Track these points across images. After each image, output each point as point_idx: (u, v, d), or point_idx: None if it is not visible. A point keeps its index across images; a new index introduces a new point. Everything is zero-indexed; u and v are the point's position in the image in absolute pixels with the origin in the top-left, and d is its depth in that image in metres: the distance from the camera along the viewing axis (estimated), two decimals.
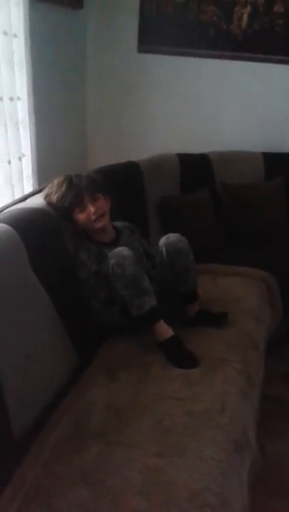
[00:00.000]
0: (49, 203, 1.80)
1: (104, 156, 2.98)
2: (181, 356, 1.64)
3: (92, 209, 1.78)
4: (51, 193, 1.80)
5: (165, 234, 1.91)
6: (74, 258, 1.80)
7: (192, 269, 1.86)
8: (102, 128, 3.36)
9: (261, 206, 2.83)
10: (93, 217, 1.79)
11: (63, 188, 1.77)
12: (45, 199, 1.81)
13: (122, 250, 1.69)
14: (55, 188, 1.79)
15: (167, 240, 1.86)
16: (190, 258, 1.85)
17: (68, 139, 3.10)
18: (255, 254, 2.64)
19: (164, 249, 1.86)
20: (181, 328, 1.76)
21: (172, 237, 1.87)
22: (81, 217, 1.79)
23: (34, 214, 1.73)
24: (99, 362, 1.67)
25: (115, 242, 1.87)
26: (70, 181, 1.79)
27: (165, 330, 1.68)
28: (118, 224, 1.98)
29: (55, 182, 1.81)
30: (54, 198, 1.78)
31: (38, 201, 1.84)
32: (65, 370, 1.62)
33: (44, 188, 1.88)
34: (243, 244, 2.73)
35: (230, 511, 1.13)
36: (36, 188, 2.43)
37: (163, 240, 1.87)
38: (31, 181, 2.54)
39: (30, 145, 2.47)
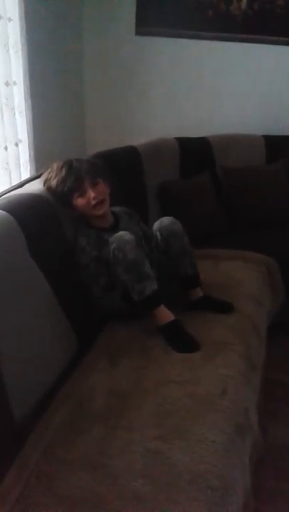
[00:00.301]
0: (48, 188, 1.78)
1: (102, 141, 2.95)
2: (181, 340, 1.63)
3: (92, 194, 1.76)
4: (50, 178, 1.78)
5: None
6: (73, 244, 1.79)
7: (189, 251, 1.85)
8: (101, 112, 3.32)
9: (262, 189, 2.81)
10: (93, 202, 1.76)
11: (63, 173, 1.75)
12: (44, 184, 1.79)
13: (124, 235, 1.68)
14: (54, 173, 1.77)
15: (161, 223, 1.86)
16: (185, 240, 1.84)
17: (66, 125, 3.07)
18: (257, 238, 2.62)
19: (158, 234, 1.85)
20: (181, 312, 1.75)
21: (165, 220, 1.86)
22: (80, 202, 1.77)
23: (32, 200, 1.71)
24: (100, 347, 1.66)
25: (114, 227, 1.85)
26: (70, 165, 1.76)
27: (166, 314, 1.68)
28: (116, 209, 1.96)
29: (55, 166, 1.79)
30: (53, 183, 1.76)
31: (35, 187, 1.82)
32: (65, 356, 1.61)
33: (42, 174, 1.86)
34: (244, 228, 2.72)
35: (232, 493, 1.13)
36: (34, 173, 2.42)
37: (157, 224, 1.87)
38: (28, 167, 2.52)
39: (27, 130, 2.45)
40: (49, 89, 2.82)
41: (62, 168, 1.76)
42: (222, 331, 1.73)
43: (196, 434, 1.24)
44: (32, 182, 1.92)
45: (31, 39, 2.39)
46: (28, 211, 1.63)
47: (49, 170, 1.81)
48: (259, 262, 2.33)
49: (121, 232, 1.70)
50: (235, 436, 1.29)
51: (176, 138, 2.87)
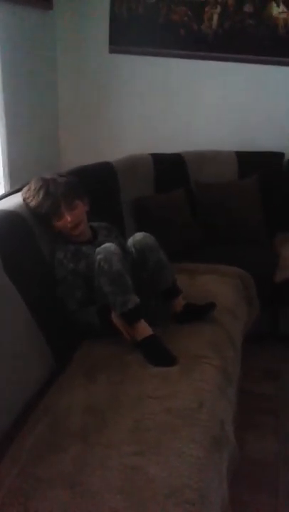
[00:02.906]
0: (26, 207, 1.79)
1: (77, 157, 2.98)
2: (158, 355, 1.64)
3: (68, 218, 1.79)
4: (28, 198, 1.79)
5: None
6: (51, 258, 1.80)
7: (166, 263, 1.87)
8: (75, 129, 3.34)
9: (236, 204, 2.85)
10: (70, 226, 1.80)
11: (40, 197, 1.77)
12: (23, 201, 1.81)
13: (110, 246, 1.71)
14: (32, 194, 1.79)
15: (134, 239, 1.88)
16: (161, 252, 1.87)
17: (40, 141, 3.07)
18: (232, 252, 2.66)
19: (133, 249, 1.86)
20: (159, 326, 1.76)
21: (138, 235, 1.88)
22: (58, 224, 1.80)
23: (6, 217, 1.71)
24: (77, 364, 1.66)
25: (92, 241, 1.88)
26: (46, 189, 1.77)
27: (145, 329, 1.69)
28: (94, 224, 1.98)
29: (32, 187, 1.80)
30: (32, 204, 1.79)
31: (10, 203, 1.82)
32: (42, 373, 1.60)
33: (17, 190, 1.86)
34: (219, 242, 2.75)
35: (209, 506, 1.14)
36: (8, 189, 2.41)
37: (130, 240, 1.88)
38: (3, 183, 2.51)
39: (1, 147, 2.44)
40: (23, 106, 2.82)
41: (39, 190, 1.77)
42: (199, 345, 1.74)
43: (173, 449, 1.25)
44: (6, 198, 1.92)
45: (5, 56, 2.41)
46: (2, 228, 1.63)
47: (27, 188, 1.81)
48: (234, 276, 2.36)
49: (107, 244, 1.73)
50: (212, 449, 1.30)
51: (150, 154, 2.90)
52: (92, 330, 1.77)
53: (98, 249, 1.72)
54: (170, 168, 2.93)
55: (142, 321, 1.69)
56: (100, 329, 1.75)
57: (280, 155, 3.03)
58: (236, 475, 1.48)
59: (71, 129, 3.34)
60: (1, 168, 2.48)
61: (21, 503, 1.11)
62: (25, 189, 1.83)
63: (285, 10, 2.90)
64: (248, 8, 2.95)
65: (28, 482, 1.16)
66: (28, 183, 1.84)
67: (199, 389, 1.50)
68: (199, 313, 1.88)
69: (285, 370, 2.45)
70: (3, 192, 2.37)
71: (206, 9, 3.00)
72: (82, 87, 3.27)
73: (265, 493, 1.75)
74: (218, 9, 2.98)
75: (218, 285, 2.24)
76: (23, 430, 1.34)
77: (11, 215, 1.72)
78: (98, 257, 1.69)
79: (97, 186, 2.34)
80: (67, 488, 1.14)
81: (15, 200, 1.83)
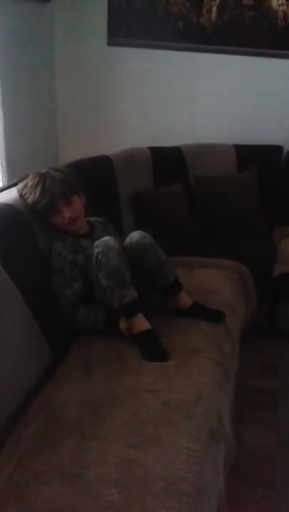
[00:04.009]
0: (24, 202, 1.78)
1: (75, 150, 2.96)
2: (152, 350, 1.64)
3: (66, 214, 1.78)
4: (25, 194, 1.78)
5: (139, 229, 1.90)
6: (48, 249, 1.79)
7: (164, 261, 1.85)
8: (73, 122, 3.33)
9: (234, 198, 2.84)
10: (67, 221, 1.79)
11: (37, 193, 1.75)
12: (20, 197, 1.79)
13: (109, 240, 1.70)
14: (28, 190, 1.77)
15: (131, 239, 1.84)
16: (159, 250, 1.84)
17: (38, 134, 3.06)
18: (230, 246, 2.66)
19: (130, 249, 1.83)
20: (159, 320, 1.76)
21: (135, 236, 1.84)
22: (55, 220, 1.79)
23: (4, 210, 1.70)
24: (74, 357, 1.66)
25: (90, 235, 1.87)
26: (43, 185, 1.75)
27: (142, 323, 1.69)
28: (91, 219, 1.98)
29: (29, 183, 1.78)
30: (29, 200, 1.77)
31: (7, 197, 1.81)
32: (39, 367, 1.60)
33: (14, 184, 1.85)
34: (217, 236, 2.75)
35: (206, 499, 1.14)
36: (5, 183, 2.40)
37: (127, 241, 1.85)
38: (0, 177, 2.50)
39: None
40: (21, 99, 2.81)
41: (36, 186, 1.76)
42: (196, 339, 1.74)
43: (170, 442, 1.25)
44: (4, 192, 1.91)
45: (2, 49, 2.39)
46: (0, 222, 1.62)
47: (24, 183, 1.80)
48: (232, 270, 2.36)
49: (106, 238, 1.72)
50: (209, 442, 1.30)
51: (149, 147, 2.89)
52: (94, 331, 1.76)
53: (96, 242, 1.71)
54: (169, 162, 2.92)
55: (140, 315, 1.69)
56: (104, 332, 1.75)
57: (279, 148, 3.02)
58: (233, 468, 1.48)
59: (69, 123, 3.33)
60: None
61: (18, 496, 1.11)
62: (21, 185, 1.81)
63: (285, 2, 2.88)
64: (246, 0, 2.93)
65: (25, 475, 1.17)
66: (24, 178, 1.82)
67: (197, 382, 1.50)
68: (207, 316, 1.87)
69: (282, 365, 2.46)
70: (1, 186, 2.36)
71: (205, 1, 2.98)
72: (80, 79, 3.26)
73: (262, 487, 1.76)
74: (217, 1, 2.97)
75: (216, 279, 2.24)
76: (20, 424, 1.34)
77: (8, 209, 1.72)
78: (96, 250, 1.69)
79: (95, 180, 2.33)
80: (64, 481, 1.14)
81: (12, 194, 1.82)
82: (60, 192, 1.77)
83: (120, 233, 2.13)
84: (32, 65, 2.93)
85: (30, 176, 1.80)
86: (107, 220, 2.07)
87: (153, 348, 1.64)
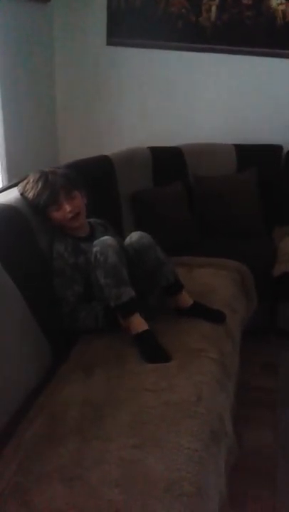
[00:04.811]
0: (25, 200, 1.78)
1: (75, 150, 2.96)
2: (152, 351, 1.63)
3: (67, 208, 1.78)
4: (27, 191, 1.78)
5: (138, 228, 1.90)
6: (49, 251, 1.79)
7: (164, 261, 1.85)
8: (73, 122, 3.33)
9: (234, 198, 2.85)
10: (69, 216, 1.79)
11: (39, 186, 1.76)
12: (21, 195, 1.80)
13: (107, 239, 1.71)
14: (30, 185, 1.78)
15: (130, 239, 1.84)
16: (158, 250, 1.84)
17: (38, 134, 3.07)
18: (230, 245, 2.66)
19: (130, 249, 1.83)
20: (158, 319, 1.76)
21: (134, 236, 1.85)
22: (57, 215, 1.79)
23: (4, 211, 1.70)
24: (74, 358, 1.66)
25: (91, 237, 1.87)
26: (45, 179, 1.77)
27: (140, 323, 1.68)
28: (91, 220, 1.98)
29: (31, 179, 1.79)
30: (30, 196, 1.77)
31: (7, 197, 1.81)
32: (39, 368, 1.60)
33: (14, 184, 1.85)
34: (217, 236, 2.75)
35: (207, 499, 1.14)
36: (6, 184, 2.40)
37: (127, 241, 1.86)
38: (0, 177, 2.50)
39: None
40: (21, 99, 2.81)
41: (38, 181, 1.77)
42: (197, 339, 1.74)
43: (171, 442, 1.25)
44: (4, 192, 1.91)
45: (1, 50, 2.39)
46: (0, 223, 1.62)
47: (25, 182, 1.81)
48: (232, 269, 2.36)
49: (105, 237, 1.73)
50: (211, 442, 1.30)
51: (148, 147, 2.89)
52: (95, 331, 1.76)
53: (95, 241, 1.72)
54: (168, 162, 2.92)
55: (137, 314, 1.68)
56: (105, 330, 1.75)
57: (278, 148, 3.02)
58: (234, 468, 1.48)
59: (69, 122, 3.33)
60: None
61: (20, 497, 1.11)
62: (22, 183, 1.82)
63: (284, 1, 2.88)
64: (246, 0, 2.93)
65: (26, 477, 1.17)
66: (25, 179, 1.83)
67: (197, 382, 1.50)
68: (207, 316, 1.87)
69: (283, 364, 2.46)
70: (1, 186, 2.36)
71: (204, 1, 2.98)
72: (79, 79, 3.26)
73: (263, 486, 1.76)
74: (217, 1, 2.97)
75: (216, 278, 2.24)
76: (21, 425, 1.34)
77: (8, 209, 1.71)
78: (94, 249, 1.69)
79: (94, 180, 2.33)
80: (65, 482, 1.14)
81: (13, 194, 1.82)
82: (62, 185, 1.77)
83: (120, 233, 2.13)
84: (32, 65, 2.93)
85: (32, 174, 1.81)
86: (107, 221, 2.07)
87: (152, 349, 1.63)
